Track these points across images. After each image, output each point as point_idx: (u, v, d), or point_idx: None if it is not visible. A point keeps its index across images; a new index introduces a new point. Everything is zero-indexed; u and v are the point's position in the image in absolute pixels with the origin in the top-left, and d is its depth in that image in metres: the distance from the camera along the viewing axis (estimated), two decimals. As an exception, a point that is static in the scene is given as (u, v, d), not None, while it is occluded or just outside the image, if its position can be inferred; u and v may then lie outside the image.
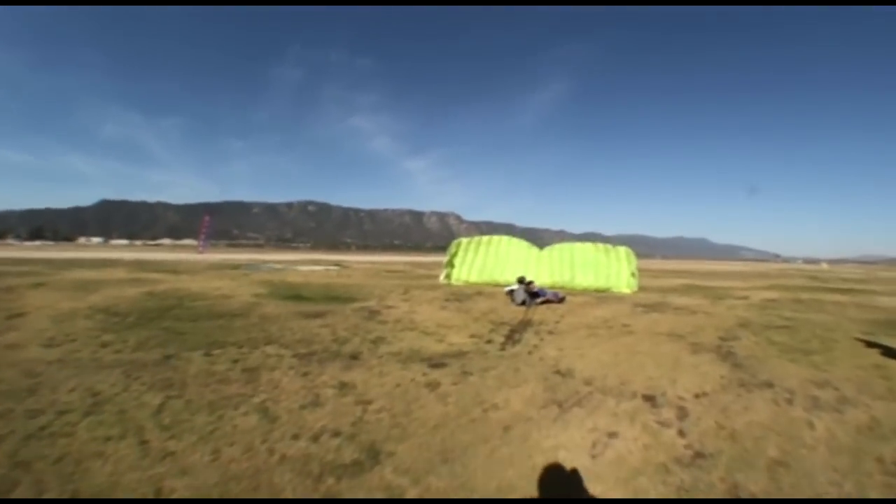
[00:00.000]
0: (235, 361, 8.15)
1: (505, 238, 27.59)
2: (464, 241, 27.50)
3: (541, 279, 22.21)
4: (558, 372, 8.46)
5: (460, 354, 9.55)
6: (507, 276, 23.47)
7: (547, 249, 26.69)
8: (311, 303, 15.37)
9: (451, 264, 26.29)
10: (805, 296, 23.52)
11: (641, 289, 24.68)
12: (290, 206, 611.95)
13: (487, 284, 23.60)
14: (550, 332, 12.23)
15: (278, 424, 5.67)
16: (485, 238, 27.66)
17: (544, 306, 16.92)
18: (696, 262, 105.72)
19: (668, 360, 9.24)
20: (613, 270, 24.81)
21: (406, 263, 50.10)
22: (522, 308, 16.18)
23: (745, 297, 21.21)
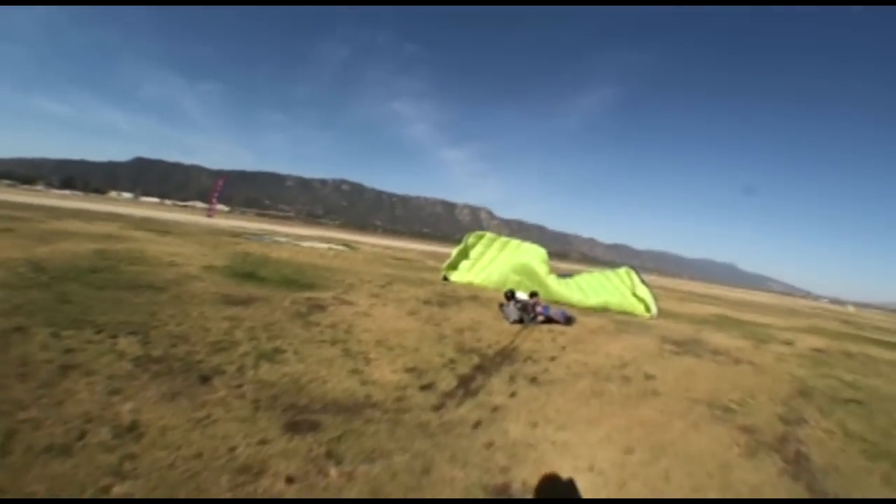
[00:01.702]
0: (68, 352, 6.55)
1: (525, 243, 24.30)
2: (488, 234, 24.43)
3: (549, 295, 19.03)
4: (505, 489, 4.82)
5: (359, 409, 6.23)
6: (509, 284, 20.21)
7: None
8: (257, 285, 13.54)
9: (464, 255, 23.61)
10: (853, 348, 19.24)
11: (670, 316, 21.02)
12: (323, 182, 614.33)
13: (492, 289, 20.40)
14: (533, 381, 8.45)
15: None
16: (507, 239, 24.48)
17: (546, 328, 13.44)
18: (724, 289, 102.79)
19: (712, 469, 5.72)
20: (623, 290, 21.34)
21: (422, 252, 47.48)
22: (517, 328, 13.00)
23: (790, 343, 17.53)
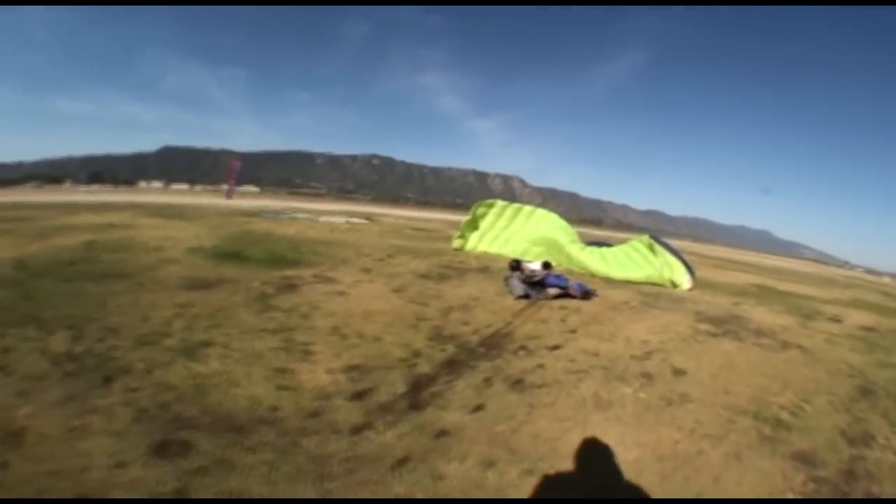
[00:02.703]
0: (3, 351, 6.32)
1: (541, 210, 22.93)
2: (498, 203, 22.84)
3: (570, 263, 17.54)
4: None
5: (253, 426, 5.14)
6: (529, 255, 19.16)
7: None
8: (237, 264, 13.21)
9: (473, 226, 22.17)
10: (904, 325, 16.81)
11: (706, 286, 18.59)
12: (353, 158, 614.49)
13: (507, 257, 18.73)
14: (516, 384, 6.42)
15: None
16: (520, 206, 22.96)
17: (558, 304, 11.42)
18: (758, 255, 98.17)
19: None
20: (651, 261, 18.70)
21: (447, 222, 45.63)
22: (522, 304, 11.20)
23: (838, 320, 15.05)
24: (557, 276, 12.76)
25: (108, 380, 5.72)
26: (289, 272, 12.36)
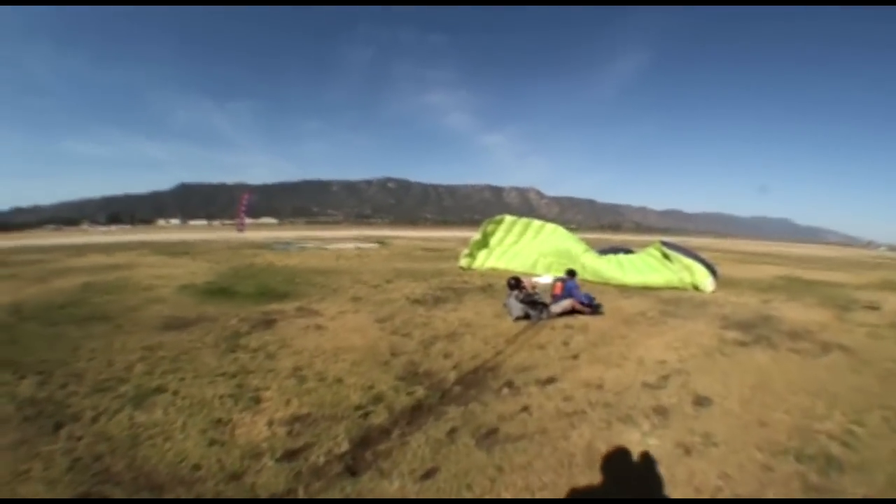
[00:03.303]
0: None
1: (551, 224, 22.32)
2: (507, 218, 22.44)
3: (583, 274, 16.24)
4: None
5: (169, 489, 4.55)
6: (540, 267, 19.29)
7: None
8: (223, 301, 12.93)
9: (483, 244, 21.79)
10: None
11: (730, 284, 17.50)
12: (368, 183, 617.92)
13: (516, 272, 18.06)
14: (486, 437, 5.18)
15: None
16: (529, 220, 22.49)
17: (563, 322, 10.33)
18: (781, 245, 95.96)
19: None
20: (667, 266, 17.75)
21: (463, 240, 44.54)
22: (521, 326, 10.08)
23: (875, 307, 13.89)
24: (569, 286, 11.49)
25: (58, 426, 5.71)
26: (273, 306, 11.99)
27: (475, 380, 6.73)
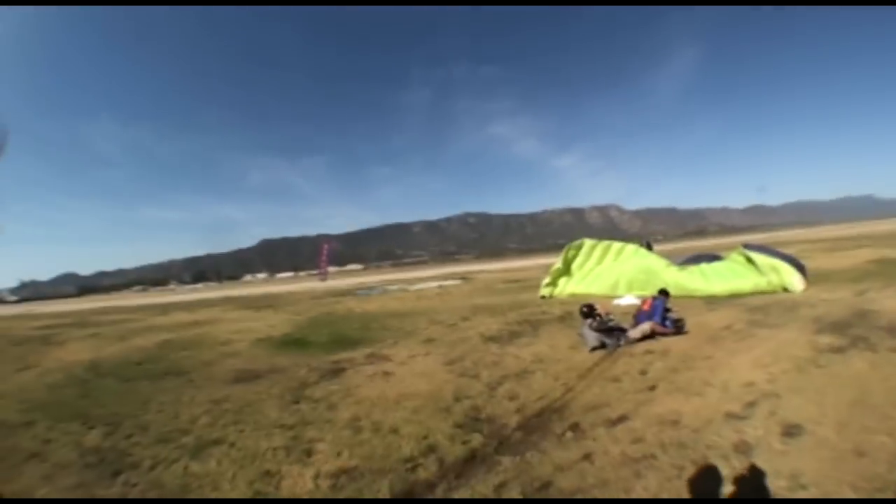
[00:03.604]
0: (45, 442, 7.33)
1: (631, 245, 22.05)
2: (587, 242, 22.47)
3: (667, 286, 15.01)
4: None
5: None
6: (622, 287, 18.67)
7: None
8: (296, 352, 13.01)
9: (565, 271, 21.67)
10: None
11: (820, 277, 16.47)
12: (448, 220, 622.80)
13: (596, 296, 18.00)
14: (538, 491, 4.76)
15: None
16: (609, 242, 22.47)
17: (644, 347, 9.76)
18: (867, 224, 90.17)
19: None
20: (752, 270, 16.76)
21: (543, 267, 43.68)
22: (596, 357, 9.52)
23: None
24: (662, 304, 11.02)
25: (116, 473, 6.03)
26: (343, 355, 11.91)
27: (538, 423, 6.26)
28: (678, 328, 10.45)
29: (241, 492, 5.28)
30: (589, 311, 10.90)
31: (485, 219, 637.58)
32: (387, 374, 9.72)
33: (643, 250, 21.27)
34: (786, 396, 6.12)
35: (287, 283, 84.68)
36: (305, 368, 10.72)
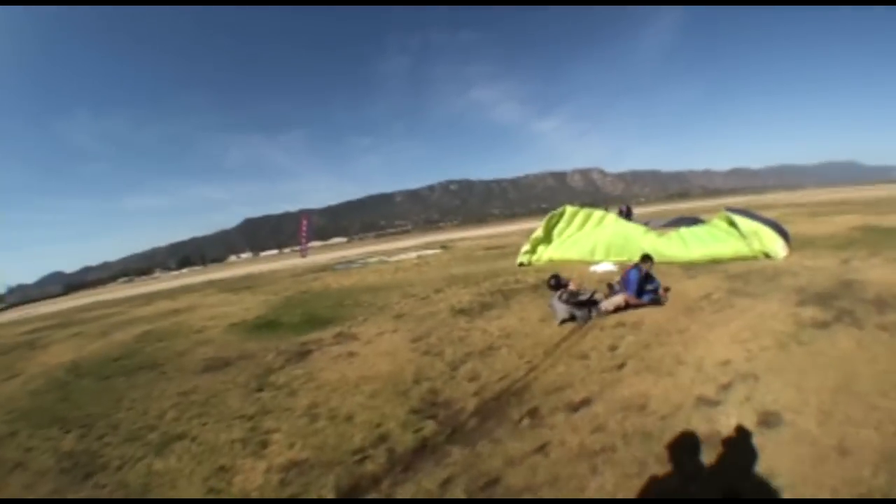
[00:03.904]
0: (27, 450, 7.27)
1: (612, 215, 21.70)
2: (568, 209, 21.94)
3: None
4: None
5: None
6: (599, 253, 18.21)
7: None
8: (267, 335, 12.83)
9: (546, 239, 21.18)
10: None
11: (804, 243, 16.02)
12: (431, 188, 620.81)
13: (573, 262, 18.39)
14: (482, 490, 4.43)
15: None
16: (590, 210, 22.15)
17: (616, 319, 9.29)
18: (850, 189, 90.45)
19: None
20: (735, 235, 16.32)
21: (525, 232, 43.53)
22: (566, 330, 9.10)
23: None
24: (647, 271, 10.32)
25: (87, 476, 6.10)
26: (313, 335, 11.78)
27: (496, 408, 5.93)
28: (655, 301, 9.94)
29: (197, 489, 5.27)
30: (556, 283, 10.34)
31: (467, 185, 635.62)
32: (351, 354, 9.56)
33: (622, 220, 20.95)
34: (764, 378, 5.69)
35: (270, 262, 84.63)
36: (273, 353, 10.62)
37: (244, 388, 8.45)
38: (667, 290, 10.57)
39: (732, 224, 16.22)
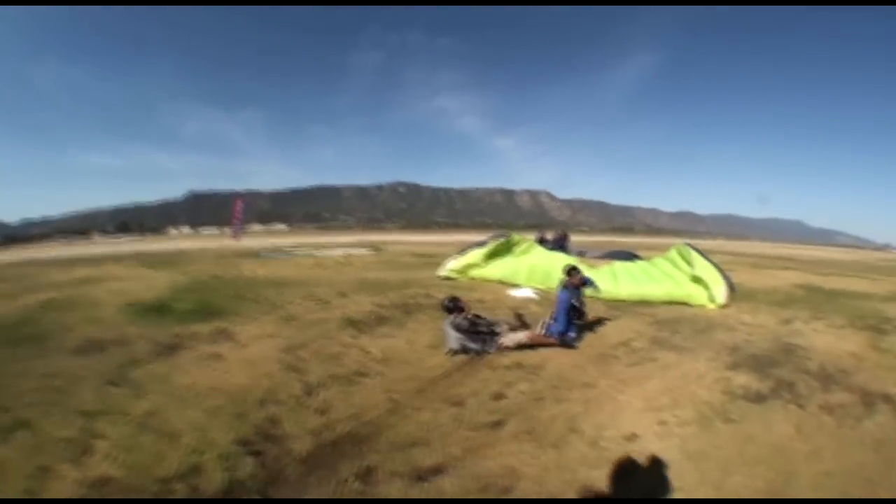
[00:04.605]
0: None
1: (540, 248, 21.05)
2: (514, 236, 20.84)
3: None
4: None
5: None
6: (521, 276, 16.88)
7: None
8: (154, 320, 11.67)
9: (494, 254, 19.33)
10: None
11: (743, 295, 14.88)
12: (380, 188, 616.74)
13: (493, 282, 17.26)
14: None
15: None
16: (524, 238, 21.26)
17: (515, 358, 7.89)
18: (793, 247, 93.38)
19: None
20: (675, 276, 15.59)
21: (460, 244, 42.57)
22: (457, 362, 7.87)
23: None
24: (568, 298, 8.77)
25: None
26: (193, 328, 10.67)
27: (330, 457, 4.82)
28: (564, 342, 8.48)
29: (15, 488, 4.79)
30: (453, 305, 8.90)
31: (415, 189, 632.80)
32: (217, 357, 8.56)
33: (547, 250, 20.47)
34: (676, 467, 4.39)
35: (204, 240, 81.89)
36: (146, 342, 9.63)
37: (101, 379, 7.58)
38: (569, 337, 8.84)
39: (685, 258, 15.56)
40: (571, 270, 9.45)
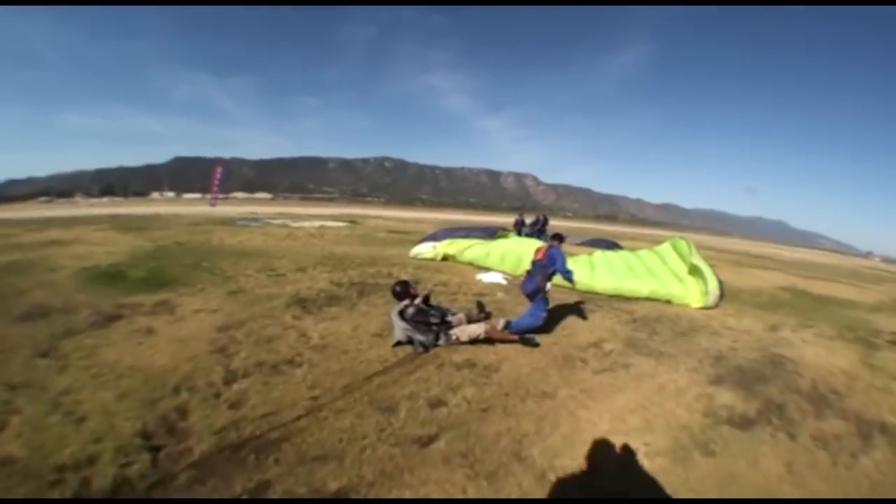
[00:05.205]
0: None
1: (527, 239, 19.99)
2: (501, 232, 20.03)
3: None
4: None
5: None
6: (492, 259, 15.92)
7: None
8: (105, 288, 11.22)
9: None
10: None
11: (730, 297, 14.00)
12: (365, 161, 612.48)
13: (464, 264, 16.52)
14: None
15: None
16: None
17: (467, 354, 7.05)
18: (776, 247, 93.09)
19: None
20: (663, 268, 14.77)
21: (441, 223, 41.91)
22: (398, 355, 7.03)
23: None
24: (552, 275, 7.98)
25: None
26: (138, 298, 10.28)
27: (227, 463, 4.39)
28: (525, 340, 7.56)
29: None
30: (403, 290, 7.81)
31: (401, 165, 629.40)
32: (150, 332, 8.10)
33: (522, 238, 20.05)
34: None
35: (184, 205, 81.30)
36: (88, 311, 9.25)
37: (33, 350, 7.28)
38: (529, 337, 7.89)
39: (679, 252, 14.96)
40: (556, 235, 8.80)
